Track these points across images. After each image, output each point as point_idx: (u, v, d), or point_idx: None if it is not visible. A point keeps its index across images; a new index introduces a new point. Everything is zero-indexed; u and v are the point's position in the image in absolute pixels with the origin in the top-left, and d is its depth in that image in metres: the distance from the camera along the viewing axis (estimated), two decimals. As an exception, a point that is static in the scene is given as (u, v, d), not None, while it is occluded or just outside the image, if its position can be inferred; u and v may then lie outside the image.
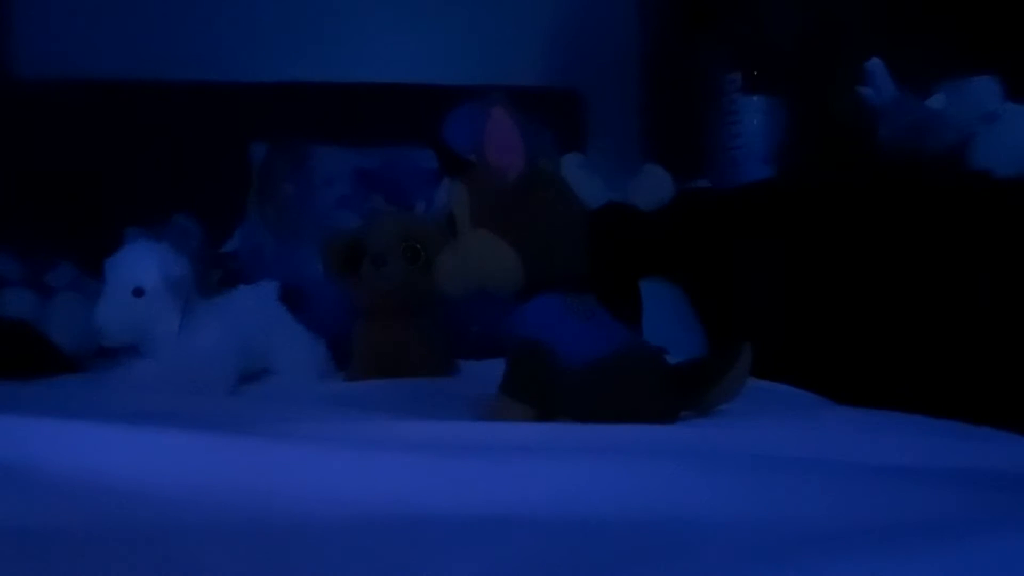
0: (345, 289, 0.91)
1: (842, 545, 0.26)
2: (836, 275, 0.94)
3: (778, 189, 1.11)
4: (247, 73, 1.45)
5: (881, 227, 0.92)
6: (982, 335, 0.81)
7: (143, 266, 0.78)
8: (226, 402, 0.74)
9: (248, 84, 1.44)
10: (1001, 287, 0.82)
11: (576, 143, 1.42)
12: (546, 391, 0.53)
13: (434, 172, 1.32)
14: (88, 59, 1.43)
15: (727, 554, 0.27)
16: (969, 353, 0.81)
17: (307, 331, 0.93)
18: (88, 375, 0.93)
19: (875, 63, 1.02)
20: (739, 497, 0.33)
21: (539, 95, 1.51)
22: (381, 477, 0.34)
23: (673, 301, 1.10)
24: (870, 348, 0.88)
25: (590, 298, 0.55)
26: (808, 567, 0.24)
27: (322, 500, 0.32)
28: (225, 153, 1.37)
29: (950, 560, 0.24)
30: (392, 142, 1.36)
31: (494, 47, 1.56)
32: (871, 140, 1.01)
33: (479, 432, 0.45)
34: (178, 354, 0.78)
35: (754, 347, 0.54)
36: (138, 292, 0.77)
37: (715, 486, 0.33)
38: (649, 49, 1.54)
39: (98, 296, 0.79)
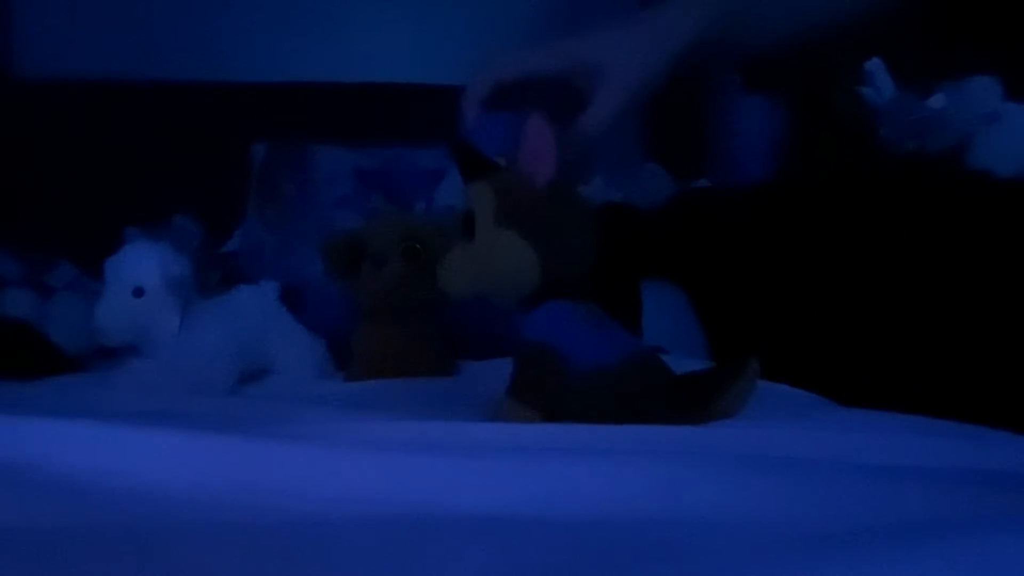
0: (345, 289, 0.91)
1: (842, 545, 0.26)
2: (836, 275, 0.94)
3: (778, 189, 1.11)
4: (247, 73, 1.45)
5: (881, 227, 0.92)
6: (982, 335, 0.81)
7: (143, 266, 0.78)
8: (226, 402, 0.74)
9: (248, 84, 1.44)
10: (1001, 287, 0.82)
11: (576, 143, 1.42)
12: (554, 395, 0.53)
13: (434, 172, 1.32)
14: (88, 59, 1.43)
15: (727, 554, 0.27)
16: (969, 353, 0.81)
17: (307, 331, 0.93)
18: (88, 375, 0.93)
19: (875, 63, 1.02)
20: (740, 497, 0.33)
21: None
22: (381, 477, 0.33)
23: (673, 302, 1.10)
24: (870, 348, 0.88)
25: (595, 306, 0.56)
26: (808, 567, 0.24)
27: (322, 500, 0.32)
28: (225, 153, 1.37)
29: (950, 560, 0.24)
30: (392, 142, 1.36)
31: (494, 47, 1.56)
32: (871, 140, 1.01)
33: (479, 432, 0.45)
34: (178, 354, 0.78)
35: (754, 347, 0.55)
36: (138, 292, 0.77)
37: (715, 486, 0.33)
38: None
39: (98, 296, 0.79)
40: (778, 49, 0.69)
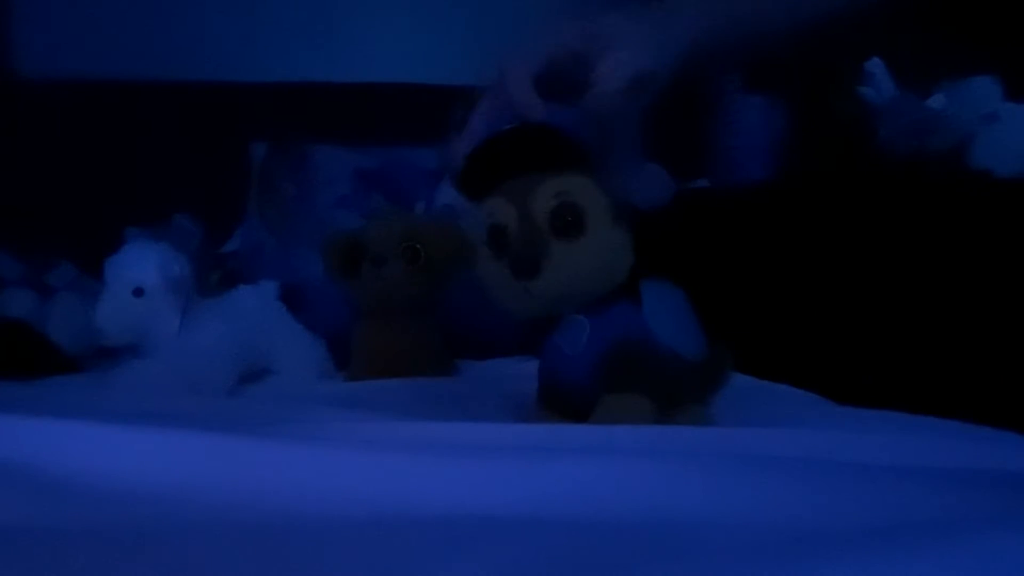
0: (345, 289, 0.91)
1: (842, 545, 0.26)
2: (836, 275, 0.94)
3: (778, 189, 1.11)
4: (247, 73, 1.45)
5: (881, 227, 0.92)
6: (982, 334, 0.82)
7: (143, 266, 0.78)
8: (226, 402, 0.74)
9: (248, 84, 1.44)
10: (1001, 287, 0.82)
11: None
12: (659, 384, 0.53)
13: (434, 172, 1.32)
14: (88, 59, 1.43)
15: (727, 554, 0.27)
16: (969, 353, 0.81)
17: (307, 331, 0.93)
18: (88, 375, 0.93)
19: (875, 63, 1.02)
20: (739, 497, 0.33)
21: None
22: (381, 477, 0.33)
23: (673, 302, 1.10)
24: (870, 348, 0.88)
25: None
26: (808, 567, 0.24)
27: (322, 500, 0.32)
28: (225, 153, 1.37)
29: (950, 560, 0.24)
30: (392, 142, 1.36)
31: (494, 47, 1.56)
32: (871, 140, 1.01)
33: (479, 432, 0.45)
34: (178, 354, 0.78)
35: (754, 347, 0.55)
36: (138, 292, 0.77)
37: (715, 486, 0.33)
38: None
39: (98, 296, 0.79)
40: (778, 49, 0.69)
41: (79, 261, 1.16)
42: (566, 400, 0.53)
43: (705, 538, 0.29)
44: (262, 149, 1.38)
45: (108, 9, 1.48)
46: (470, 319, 1.01)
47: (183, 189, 1.31)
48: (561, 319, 0.54)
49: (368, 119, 1.41)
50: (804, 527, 0.30)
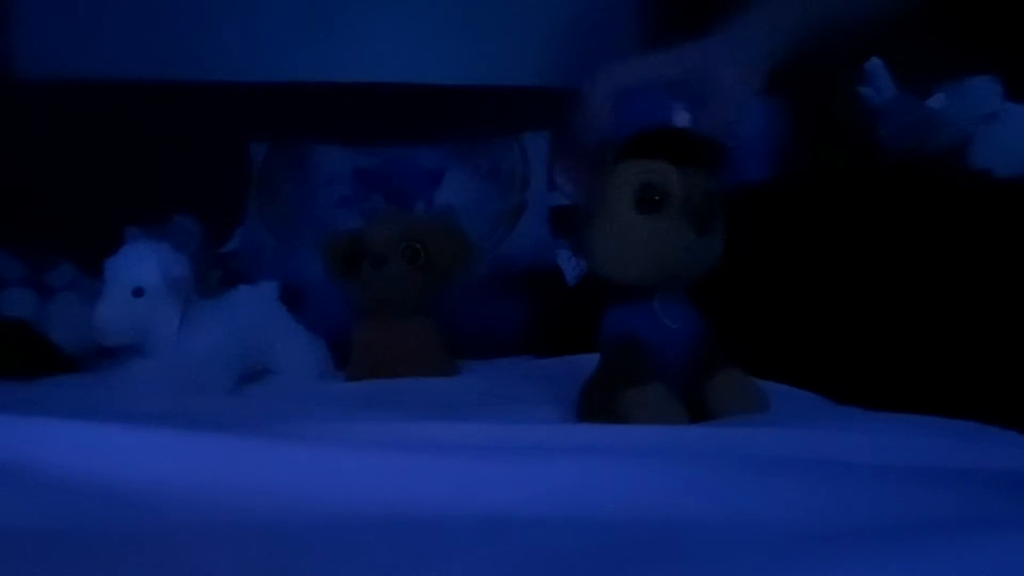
0: (345, 289, 0.91)
1: (842, 545, 0.26)
2: (836, 275, 0.94)
3: (778, 189, 1.10)
4: (247, 73, 1.45)
5: (881, 227, 0.91)
6: (982, 335, 0.81)
7: (143, 266, 0.78)
8: (226, 402, 0.74)
9: (248, 84, 1.44)
10: (1001, 287, 0.82)
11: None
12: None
13: (434, 172, 1.32)
14: (88, 59, 1.43)
15: (727, 554, 0.27)
16: (969, 353, 0.81)
17: (307, 331, 0.93)
18: (88, 375, 0.93)
19: (875, 63, 1.01)
20: (739, 497, 0.33)
21: (539, 95, 1.51)
22: (381, 477, 0.33)
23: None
24: (870, 348, 0.88)
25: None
26: (808, 567, 0.24)
27: (322, 500, 0.32)
28: (225, 153, 1.37)
29: (951, 560, 0.24)
30: (392, 142, 1.36)
31: (494, 47, 1.56)
32: (871, 140, 1.01)
33: (479, 432, 0.45)
34: (178, 354, 0.78)
35: (754, 347, 0.55)
36: (138, 292, 0.77)
37: (715, 486, 0.33)
38: (649, 49, 1.54)
39: (98, 296, 0.79)
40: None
41: (79, 261, 1.15)
42: (667, 370, 0.56)
43: (705, 538, 0.29)
44: (262, 149, 1.38)
45: (108, 9, 1.48)
46: (470, 319, 1.01)
47: (183, 189, 1.31)
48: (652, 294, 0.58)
49: (368, 119, 1.41)
50: (804, 527, 0.30)
